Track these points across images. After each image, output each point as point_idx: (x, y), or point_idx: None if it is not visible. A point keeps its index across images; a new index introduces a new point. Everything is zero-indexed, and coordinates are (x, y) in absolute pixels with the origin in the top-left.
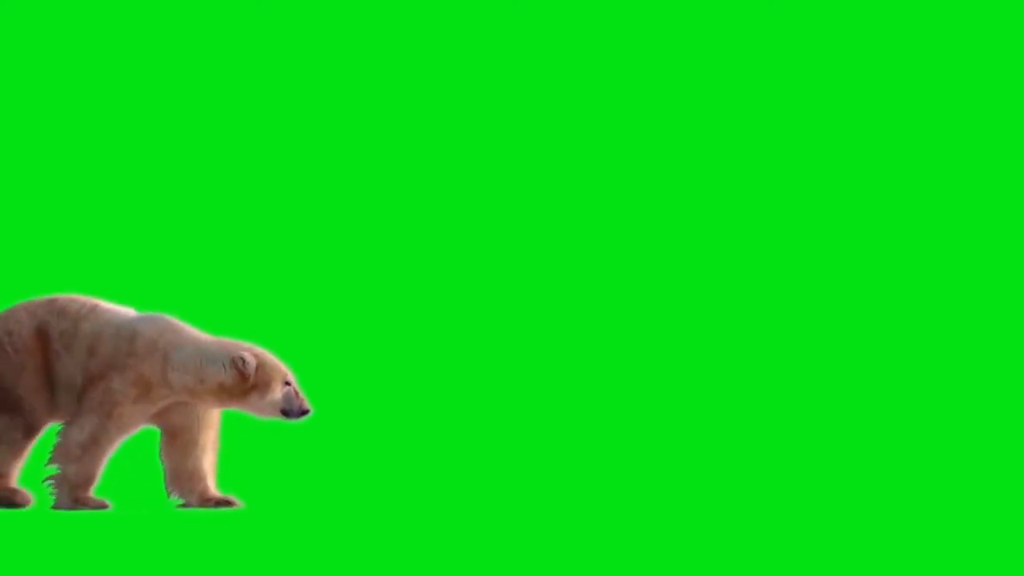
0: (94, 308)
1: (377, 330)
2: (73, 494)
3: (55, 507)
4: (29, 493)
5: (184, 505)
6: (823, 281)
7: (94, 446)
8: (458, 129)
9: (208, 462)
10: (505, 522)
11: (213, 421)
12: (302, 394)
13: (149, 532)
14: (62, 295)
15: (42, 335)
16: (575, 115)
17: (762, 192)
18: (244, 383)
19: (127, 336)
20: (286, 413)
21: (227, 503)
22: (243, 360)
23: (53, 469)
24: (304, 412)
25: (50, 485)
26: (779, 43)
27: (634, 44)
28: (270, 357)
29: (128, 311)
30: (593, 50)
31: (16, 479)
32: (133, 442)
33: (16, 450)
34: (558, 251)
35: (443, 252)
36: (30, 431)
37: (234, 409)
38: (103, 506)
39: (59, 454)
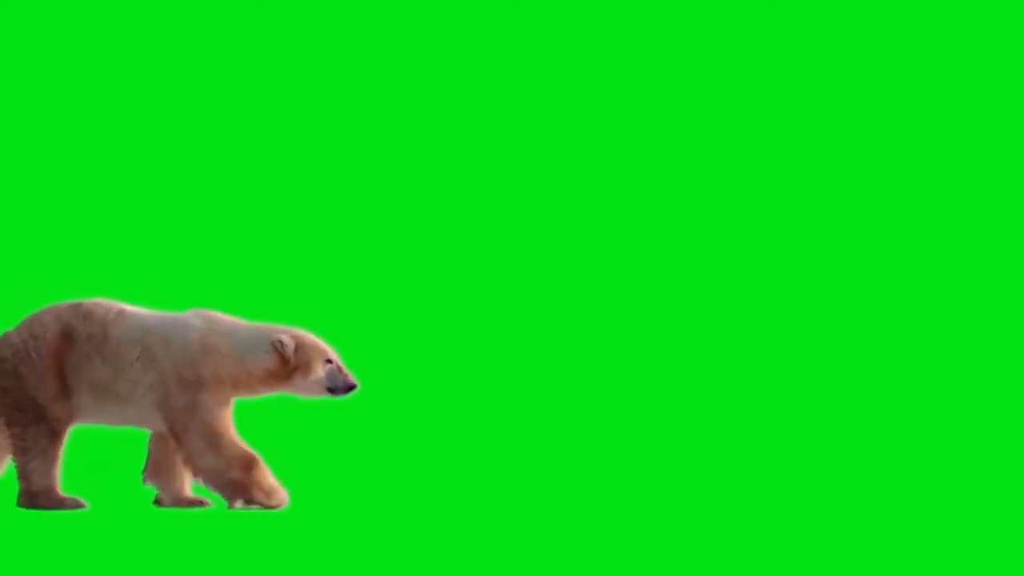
0: (120, 312)
1: (416, 315)
2: (254, 475)
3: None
4: (81, 499)
5: (158, 500)
6: (822, 280)
7: (220, 440)
8: (493, 118)
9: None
10: (531, 506)
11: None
12: (346, 369)
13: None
14: (87, 300)
15: (67, 339)
16: (601, 104)
17: (764, 191)
18: (286, 366)
19: (179, 344)
20: (332, 391)
21: (199, 503)
22: (281, 343)
23: (229, 496)
24: (350, 387)
25: (235, 506)
26: (779, 43)
27: (636, 43)
28: (309, 337)
29: (157, 313)
30: (601, 47)
31: (60, 485)
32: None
33: (50, 458)
34: (592, 243)
35: (481, 234)
36: (56, 437)
37: (281, 393)
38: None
39: (223, 483)
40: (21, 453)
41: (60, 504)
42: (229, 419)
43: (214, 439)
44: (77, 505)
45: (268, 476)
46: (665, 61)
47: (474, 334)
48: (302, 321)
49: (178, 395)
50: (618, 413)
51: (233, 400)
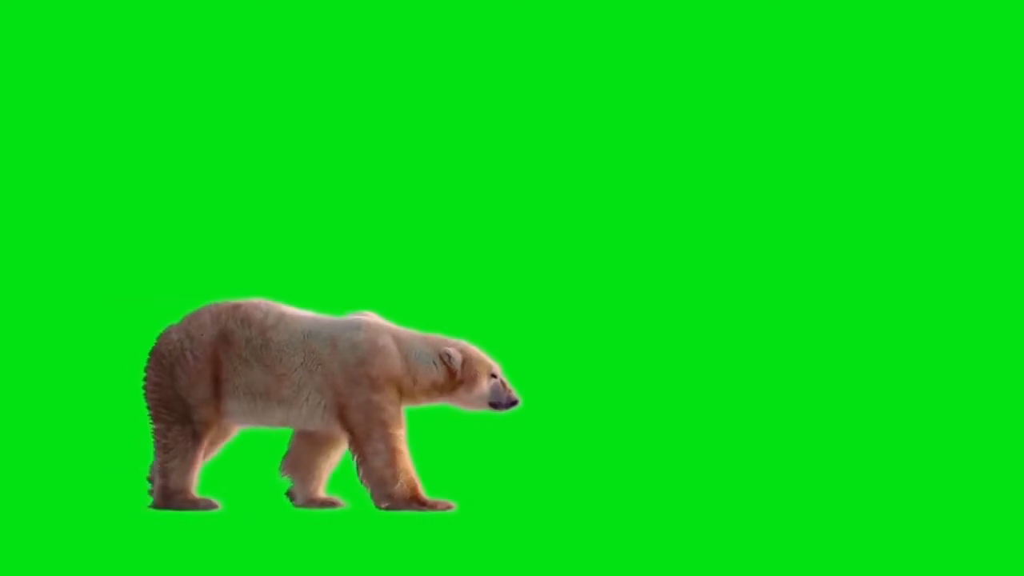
0: (281, 316)
1: (582, 323)
2: (413, 504)
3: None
4: (214, 500)
5: (290, 493)
6: (823, 279)
7: (397, 456)
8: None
9: (330, 462)
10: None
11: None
12: (509, 385)
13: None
14: (246, 300)
15: (224, 342)
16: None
17: (768, 188)
18: (452, 379)
19: (347, 346)
20: (495, 405)
21: (331, 504)
22: (449, 356)
23: (383, 503)
24: (513, 403)
25: (390, 509)
26: (782, 41)
27: (639, 41)
28: (475, 351)
29: (317, 316)
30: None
31: (196, 488)
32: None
33: (189, 460)
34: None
35: (649, 249)
36: (198, 440)
37: (444, 404)
38: (447, 506)
39: (378, 487)
40: (162, 451)
41: (193, 505)
42: (403, 422)
43: (393, 451)
44: (210, 506)
45: (421, 506)
46: (671, 56)
47: (629, 354)
48: (462, 332)
49: (352, 394)
50: (765, 417)
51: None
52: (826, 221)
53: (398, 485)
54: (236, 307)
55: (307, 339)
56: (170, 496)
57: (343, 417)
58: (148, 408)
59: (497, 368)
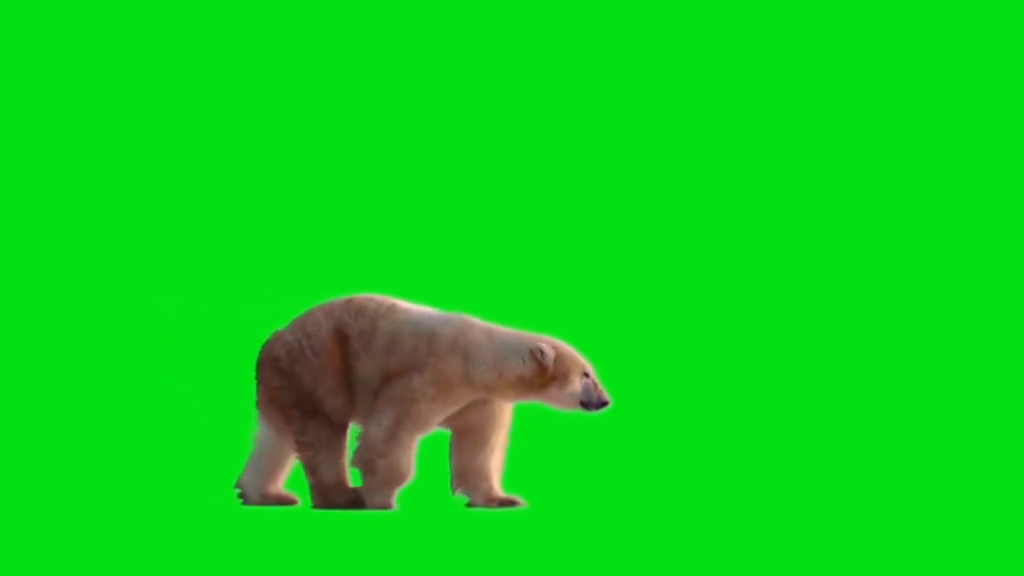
0: (392, 307)
1: (674, 324)
2: (383, 489)
3: (369, 506)
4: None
5: (470, 504)
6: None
7: (394, 440)
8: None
9: (495, 462)
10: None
11: (505, 421)
12: (601, 385)
13: (434, 532)
14: (360, 295)
15: (340, 336)
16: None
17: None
18: (543, 375)
19: (426, 335)
20: (585, 405)
21: (511, 503)
22: (541, 352)
23: (357, 470)
24: (603, 404)
25: (363, 490)
26: (786, 39)
27: (641, 39)
28: (569, 349)
29: (426, 309)
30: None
31: (350, 479)
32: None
33: (335, 450)
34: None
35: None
36: (337, 430)
37: (533, 401)
38: (388, 507)
39: (363, 453)
40: (305, 448)
41: (354, 497)
42: (425, 425)
43: (391, 435)
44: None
45: (388, 497)
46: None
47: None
48: (557, 331)
49: (406, 374)
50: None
51: (451, 411)
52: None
53: (385, 462)
54: (349, 301)
55: (403, 326)
56: (326, 491)
57: (381, 385)
58: (277, 415)
59: (590, 368)
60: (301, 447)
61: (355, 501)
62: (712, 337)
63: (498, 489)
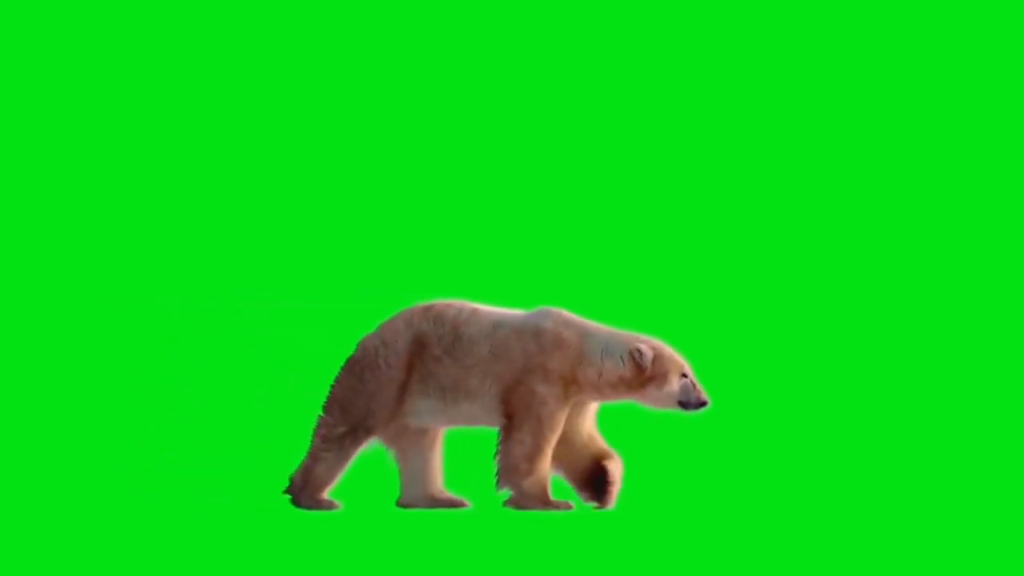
0: (474, 311)
1: (776, 325)
2: (541, 500)
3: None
4: (336, 501)
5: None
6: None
7: (539, 454)
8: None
9: (603, 445)
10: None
11: (592, 415)
12: (699, 386)
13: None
14: (438, 301)
15: (419, 346)
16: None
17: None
18: (641, 375)
19: (531, 334)
20: (684, 405)
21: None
22: (640, 352)
23: (506, 492)
24: (702, 404)
25: (510, 505)
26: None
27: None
28: (667, 349)
29: (508, 310)
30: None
31: (329, 491)
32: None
33: (341, 459)
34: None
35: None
36: (358, 446)
37: (631, 401)
38: (568, 507)
39: (509, 473)
40: (321, 439)
41: (317, 504)
42: (559, 424)
43: (538, 448)
44: (331, 506)
45: (545, 505)
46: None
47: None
48: (655, 331)
49: (521, 381)
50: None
51: (573, 401)
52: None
53: (530, 480)
54: (428, 308)
55: (496, 329)
56: (300, 488)
57: (506, 401)
58: (329, 401)
59: (688, 368)
60: (319, 436)
61: (318, 504)
62: (812, 336)
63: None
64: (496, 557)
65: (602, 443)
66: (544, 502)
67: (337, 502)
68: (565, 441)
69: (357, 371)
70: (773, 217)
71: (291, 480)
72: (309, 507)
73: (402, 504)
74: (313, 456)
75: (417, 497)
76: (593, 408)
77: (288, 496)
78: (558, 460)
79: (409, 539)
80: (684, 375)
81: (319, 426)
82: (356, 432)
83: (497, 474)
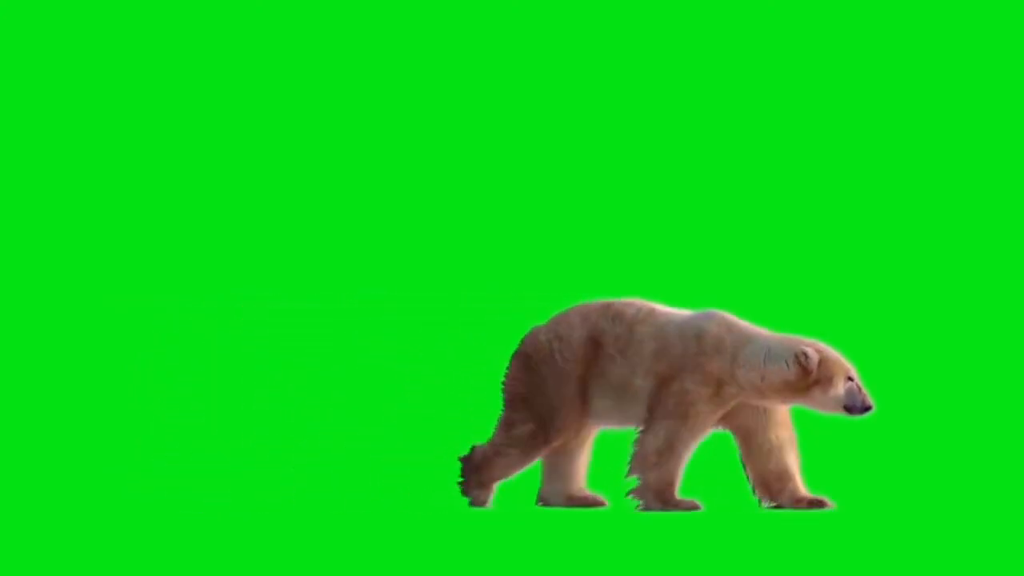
0: (651, 312)
1: (940, 327)
2: (660, 498)
3: (642, 510)
4: (600, 496)
5: (776, 507)
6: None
7: (670, 451)
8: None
9: (792, 461)
10: None
11: (783, 419)
12: (865, 390)
13: (741, 532)
14: (618, 299)
15: (594, 342)
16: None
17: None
18: (806, 378)
19: (692, 335)
20: (849, 409)
21: (819, 504)
22: (805, 355)
23: (634, 480)
24: (867, 408)
25: (633, 495)
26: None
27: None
28: (832, 352)
29: (683, 311)
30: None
31: (492, 496)
32: (709, 444)
33: (523, 457)
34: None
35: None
36: (546, 443)
37: (796, 405)
38: (694, 507)
39: (637, 463)
40: (505, 431)
41: (483, 497)
42: (702, 429)
43: (671, 446)
44: (484, 503)
45: (665, 504)
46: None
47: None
48: (820, 334)
49: (676, 377)
50: None
51: (722, 411)
52: None
53: (655, 474)
54: (607, 306)
55: (663, 329)
56: (473, 473)
57: (654, 395)
58: (504, 399)
59: (854, 371)
60: (501, 430)
61: (473, 496)
62: (980, 340)
63: (804, 489)
64: (613, 558)
65: (789, 457)
66: (664, 500)
67: (491, 502)
68: (749, 444)
69: (532, 366)
70: (922, 217)
71: (464, 461)
72: (475, 497)
73: (541, 499)
74: (496, 449)
75: (556, 493)
76: (783, 414)
77: (459, 477)
78: (747, 462)
79: (537, 538)
80: (850, 378)
81: (504, 421)
82: (546, 432)
83: (628, 463)
